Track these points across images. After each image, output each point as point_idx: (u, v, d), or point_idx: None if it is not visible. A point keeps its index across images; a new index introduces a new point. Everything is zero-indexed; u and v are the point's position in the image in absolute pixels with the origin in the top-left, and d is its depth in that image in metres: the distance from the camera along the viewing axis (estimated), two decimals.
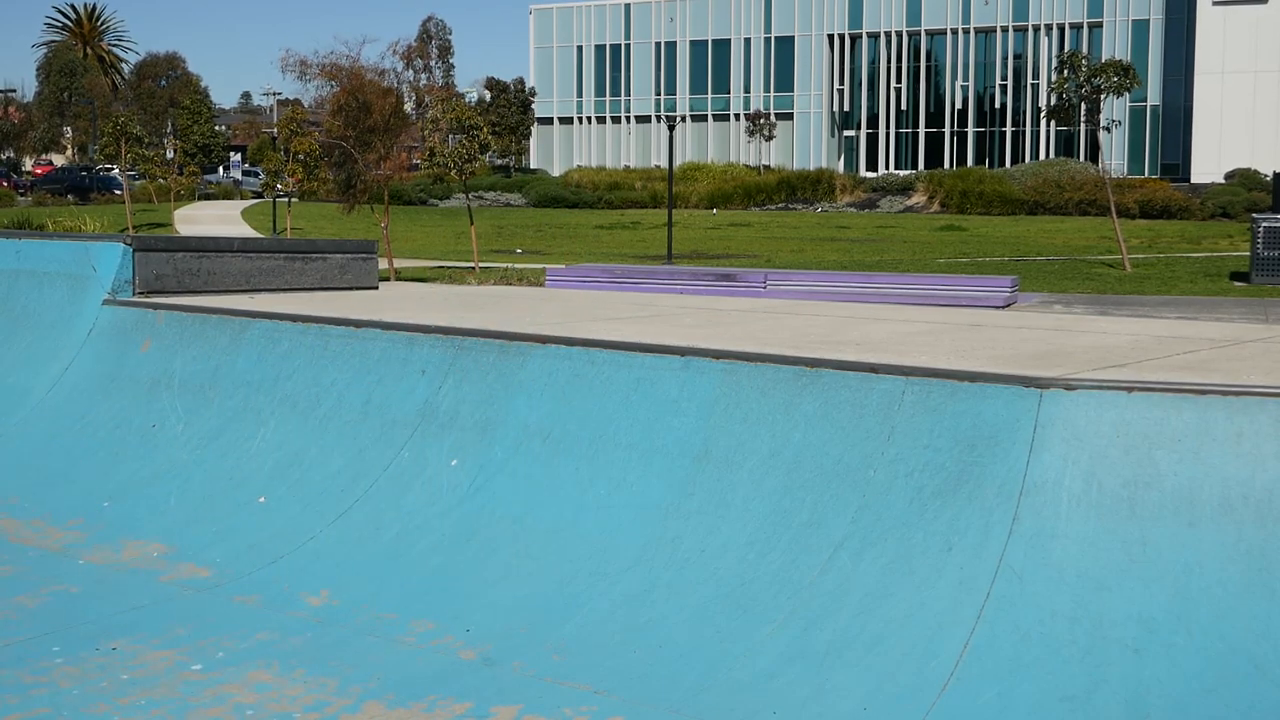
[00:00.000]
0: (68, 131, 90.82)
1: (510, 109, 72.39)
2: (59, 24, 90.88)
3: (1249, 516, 5.61)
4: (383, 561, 7.16)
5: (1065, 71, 29.74)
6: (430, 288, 18.46)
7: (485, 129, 27.72)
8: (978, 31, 69.41)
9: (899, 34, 70.85)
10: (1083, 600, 5.59)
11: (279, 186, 41.72)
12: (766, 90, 73.18)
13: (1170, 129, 63.79)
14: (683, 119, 69.53)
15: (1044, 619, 5.59)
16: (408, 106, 37.52)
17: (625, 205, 58.01)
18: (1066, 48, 62.68)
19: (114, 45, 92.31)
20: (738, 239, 40.60)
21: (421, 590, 6.82)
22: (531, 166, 77.82)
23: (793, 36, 73.08)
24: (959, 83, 70.23)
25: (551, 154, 78.53)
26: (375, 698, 5.66)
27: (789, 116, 72.04)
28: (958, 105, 70.22)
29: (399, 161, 30.64)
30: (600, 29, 77.58)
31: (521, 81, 78.33)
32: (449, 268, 28.22)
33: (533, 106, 74.24)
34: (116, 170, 53.95)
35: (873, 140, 72.63)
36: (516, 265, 28.67)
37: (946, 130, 70.74)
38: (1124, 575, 5.62)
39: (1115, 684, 5.29)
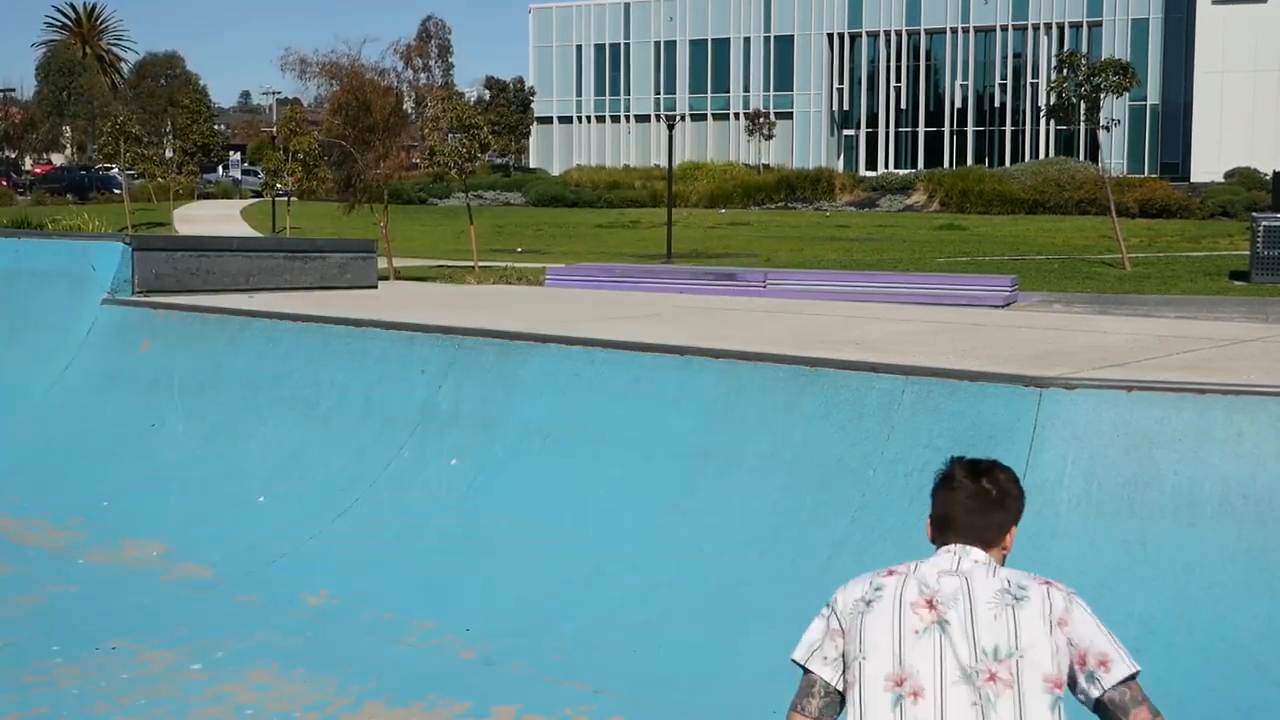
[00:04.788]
0: (67, 131, 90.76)
1: (510, 108, 72.31)
2: (58, 23, 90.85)
3: (1249, 516, 5.61)
4: (383, 561, 7.16)
5: (1065, 71, 29.74)
6: (430, 287, 18.45)
7: (485, 128, 27.70)
8: (977, 30, 69.30)
9: (898, 33, 70.75)
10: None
11: (278, 185, 41.73)
12: (766, 89, 73.07)
13: (1170, 128, 63.73)
14: (682, 118, 69.42)
15: None
16: (407, 106, 37.51)
17: (625, 204, 57.93)
18: (1066, 47, 62.63)
19: (113, 45, 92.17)
20: (737, 238, 40.57)
21: (421, 590, 6.82)
22: (531, 166, 77.68)
23: (792, 35, 72.98)
24: (958, 82, 70.13)
25: (551, 153, 78.41)
26: (375, 697, 5.65)
27: (788, 116, 71.93)
28: (957, 104, 70.12)
29: (398, 161, 30.60)
30: (600, 28, 77.49)
31: (521, 81, 78.25)
32: (448, 267, 28.18)
33: (532, 106, 74.18)
34: (116, 169, 53.93)
35: (872, 139, 72.55)
36: (516, 264, 28.64)
37: (946, 129, 70.65)
38: (1124, 574, 5.62)
39: None
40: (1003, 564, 2.89)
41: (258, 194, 58.10)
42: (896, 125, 72.80)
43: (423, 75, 56.29)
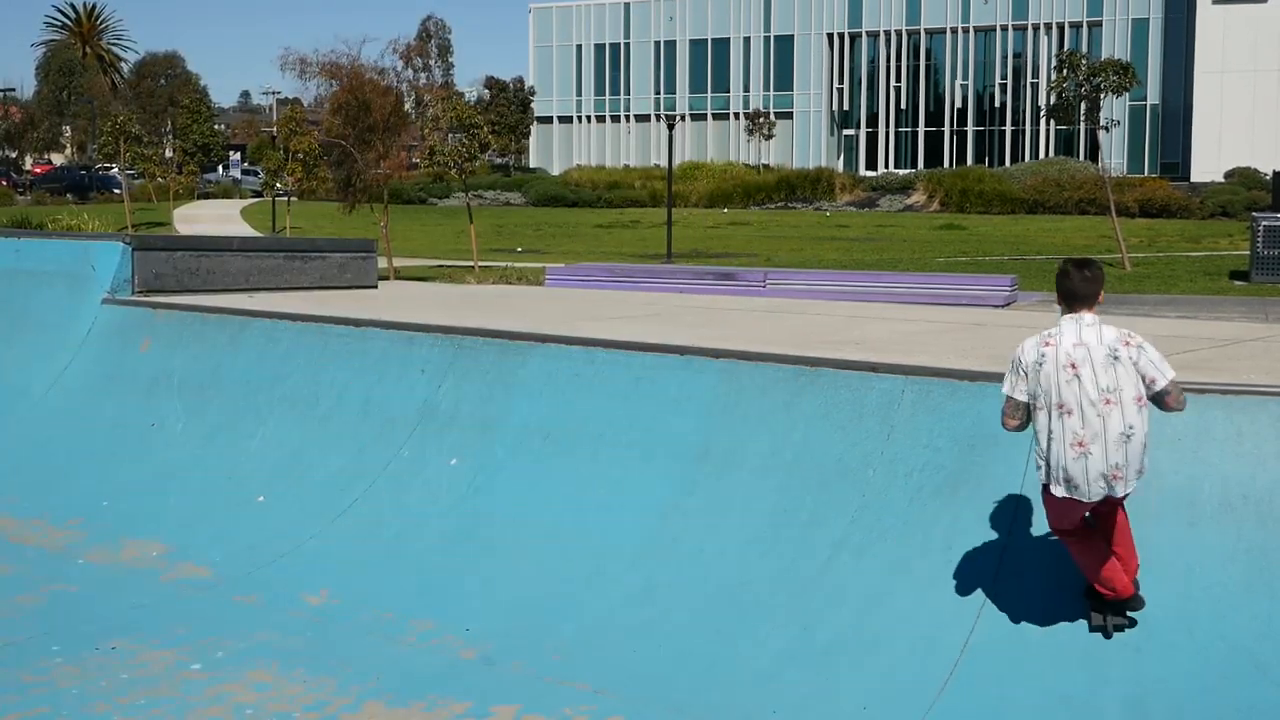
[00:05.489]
0: (67, 131, 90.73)
1: (510, 108, 72.27)
2: (58, 23, 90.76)
3: (1249, 516, 5.61)
4: (382, 561, 7.15)
5: (1065, 71, 29.67)
6: (430, 287, 18.44)
7: (485, 128, 27.64)
8: (977, 30, 69.27)
9: (898, 33, 70.76)
10: (1083, 600, 5.59)
11: (278, 185, 41.71)
12: (766, 89, 73.07)
13: (1170, 128, 63.72)
14: (682, 118, 69.42)
15: (1044, 618, 5.59)
16: (407, 105, 37.46)
17: (624, 204, 57.87)
18: (1066, 47, 62.63)
19: (113, 44, 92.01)
20: (737, 238, 40.56)
21: (421, 589, 6.82)
22: (531, 165, 77.62)
23: (792, 35, 72.98)
24: (958, 82, 70.10)
25: (551, 153, 78.38)
26: (375, 697, 5.65)
27: (788, 115, 71.92)
28: (957, 104, 70.09)
29: (398, 160, 30.55)
30: (600, 28, 77.50)
31: (521, 80, 78.20)
32: (448, 267, 28.15)
33: (532, 105, 74.16)
34: (116, 169, 53.90)
35: (872, 139, 72.54)
36: (516, 264, 28.61)
37: (946, 129, 70.63)
38: None
39: (1115, 683, 5.28)
40: (1094, 312, 5.18)
41: (258, 194, 58.08)
42: (896, 125, 72.79)
43: (423, 75, 56.34)
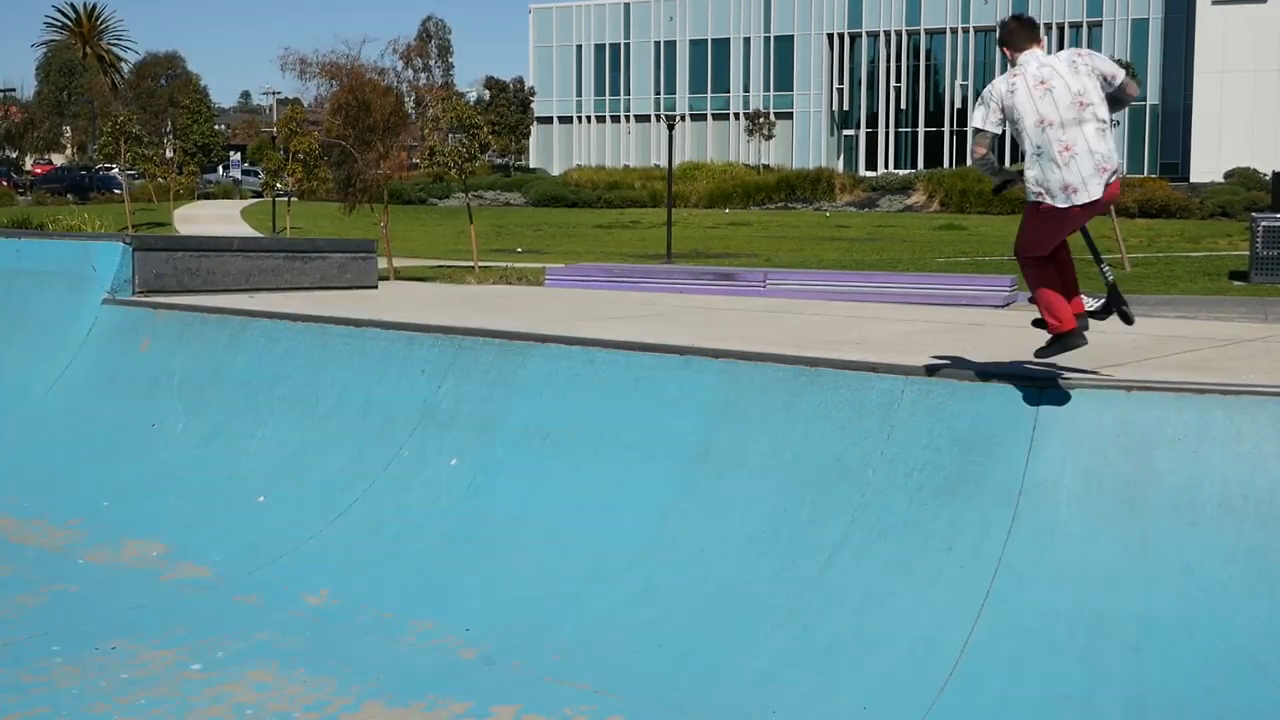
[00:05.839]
0: (67, 131, 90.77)
1: (510, 108, 72.35)
2: (58, 23, 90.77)
3: (1249, 516, 5.61)
4: (382, 561, 7.15)
5: None
6: (430, 287, 18.44)
7: (485, 128, 27.65)
8: (977, 30, 69.38)
9: (898, 33, 70.90)
10: (1082, 600, 5.59)
11: (278, 186, 41.72)
12: (766, 89, 73.20)
13: (1169, 128, 63.81)
14: (682, 118, 69.51)
15: (1043, 618, 5.58)
16: (407, 106, 37.45)
17: (624, 204, 57.98)
18: (1066, 47, 62.66)
19: (113, 45, 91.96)
20: (737, 238, 40.62)
21: (421, 589, 6.82)
22: (531, 166, 77.72)
23: (792, 35, 73.12)
24: (958, 82, 70.21)
25: (551, 153, 78.49)
26: (375, 697, 5.65)
27: (788, 116, 72.05)
28: (957, 104, 70.17)
29: (398, 161, 30.55)
30: (600, 28, 77.61)
31: (521, 81, 78.30)
32: (448, 267, 28.18)
33: (532, 106, 74.27)
34: (116, 169, 53.93)
35: (872, 139, 72.65)
36: (516, 264, 28.63)
37: (946, 129, 70.73)
38: (1124, 575, 5.62)
39: (1115, 683, 5.28)
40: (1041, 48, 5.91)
41: (258, 194, 58.11)
42: (896, 125, 72.79)
43: (423, 75, 56.32)
